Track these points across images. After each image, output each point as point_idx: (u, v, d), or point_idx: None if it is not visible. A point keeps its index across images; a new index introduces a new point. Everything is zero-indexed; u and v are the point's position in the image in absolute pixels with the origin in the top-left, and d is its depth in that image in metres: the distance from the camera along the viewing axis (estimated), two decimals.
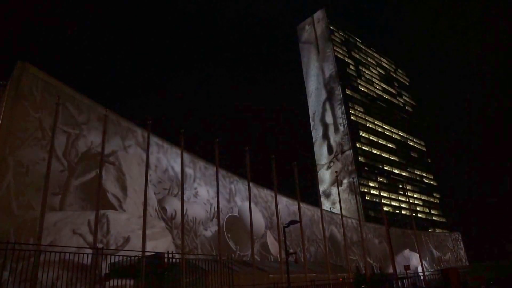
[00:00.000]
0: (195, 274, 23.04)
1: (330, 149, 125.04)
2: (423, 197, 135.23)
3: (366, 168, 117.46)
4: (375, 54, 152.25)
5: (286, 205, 49.54)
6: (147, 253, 22.18)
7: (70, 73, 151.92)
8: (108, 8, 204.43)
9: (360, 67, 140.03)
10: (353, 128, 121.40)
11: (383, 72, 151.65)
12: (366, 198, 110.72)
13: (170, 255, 21.07)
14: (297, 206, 36.88)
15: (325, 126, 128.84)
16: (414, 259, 70.72)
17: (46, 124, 25.78)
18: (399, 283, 39.72)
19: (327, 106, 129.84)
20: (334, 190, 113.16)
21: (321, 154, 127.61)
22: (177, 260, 23.20)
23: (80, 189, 27.11)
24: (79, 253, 17.21)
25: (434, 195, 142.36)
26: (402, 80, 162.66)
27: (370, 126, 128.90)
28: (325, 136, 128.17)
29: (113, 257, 19.81)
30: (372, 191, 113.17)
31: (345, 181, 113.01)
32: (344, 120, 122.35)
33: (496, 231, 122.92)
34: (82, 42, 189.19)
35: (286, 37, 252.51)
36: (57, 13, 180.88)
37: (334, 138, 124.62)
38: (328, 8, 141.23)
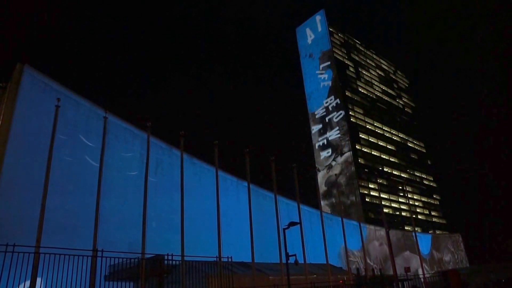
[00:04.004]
0: (195, 276, 22.96)
1: (329, 151, 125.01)
2: (423, 199, 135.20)
3: (365, 170, 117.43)
4: (374, 56, 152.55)
5: (286, 207, 49.31)
6: (147, 255, 22.11)
7: (70, 75, 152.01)
8: (108, 10, 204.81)
9: (360, 69, 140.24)
10: (353, 130, 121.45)
11: (382, 74, 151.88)
12: (366, 199, 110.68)
13: (170, 257, 21.01)
14: (297, 208, 36.79)
15: (325, 128, 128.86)
16: (414, 261, 70.55)
17: (46, 126, 25.71)
18: (400, 285, 39.56)
19: (327, 108, 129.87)
20: (334, 191, 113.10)
21: (321, 155, 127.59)
22: (177, 262, 23.14)
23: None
24: (79, 255, 17.13)
25: (434, 196, 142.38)
26: (401, 82, 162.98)
27: (369, 127, 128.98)
28: (325, 138, 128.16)
29: (113, 259, 19.72)
30: (372, 193, 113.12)
31: (344, 182, 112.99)
32: (343, 122, 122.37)
33: (496, 232, 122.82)
34: (81, 43, 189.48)
35: (285, 39, 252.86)
36: (57, 15, 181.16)
37: (333, 140, 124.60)
38: (327, 10, 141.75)
